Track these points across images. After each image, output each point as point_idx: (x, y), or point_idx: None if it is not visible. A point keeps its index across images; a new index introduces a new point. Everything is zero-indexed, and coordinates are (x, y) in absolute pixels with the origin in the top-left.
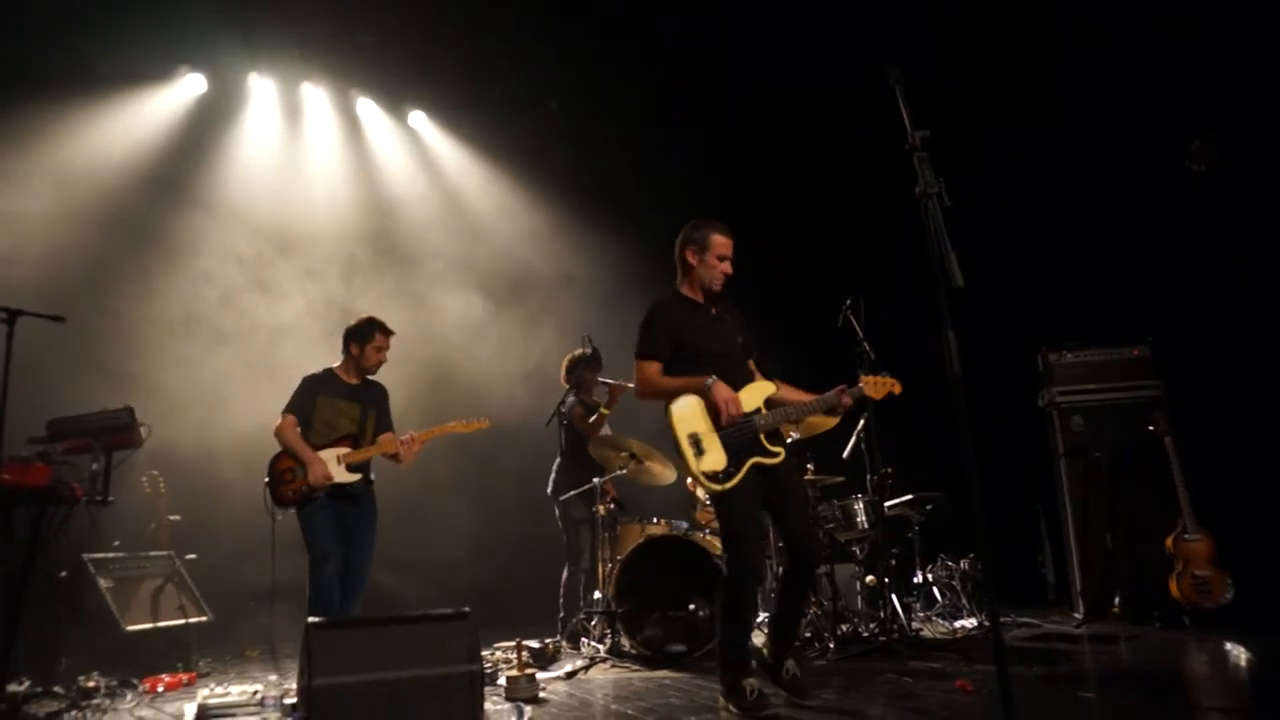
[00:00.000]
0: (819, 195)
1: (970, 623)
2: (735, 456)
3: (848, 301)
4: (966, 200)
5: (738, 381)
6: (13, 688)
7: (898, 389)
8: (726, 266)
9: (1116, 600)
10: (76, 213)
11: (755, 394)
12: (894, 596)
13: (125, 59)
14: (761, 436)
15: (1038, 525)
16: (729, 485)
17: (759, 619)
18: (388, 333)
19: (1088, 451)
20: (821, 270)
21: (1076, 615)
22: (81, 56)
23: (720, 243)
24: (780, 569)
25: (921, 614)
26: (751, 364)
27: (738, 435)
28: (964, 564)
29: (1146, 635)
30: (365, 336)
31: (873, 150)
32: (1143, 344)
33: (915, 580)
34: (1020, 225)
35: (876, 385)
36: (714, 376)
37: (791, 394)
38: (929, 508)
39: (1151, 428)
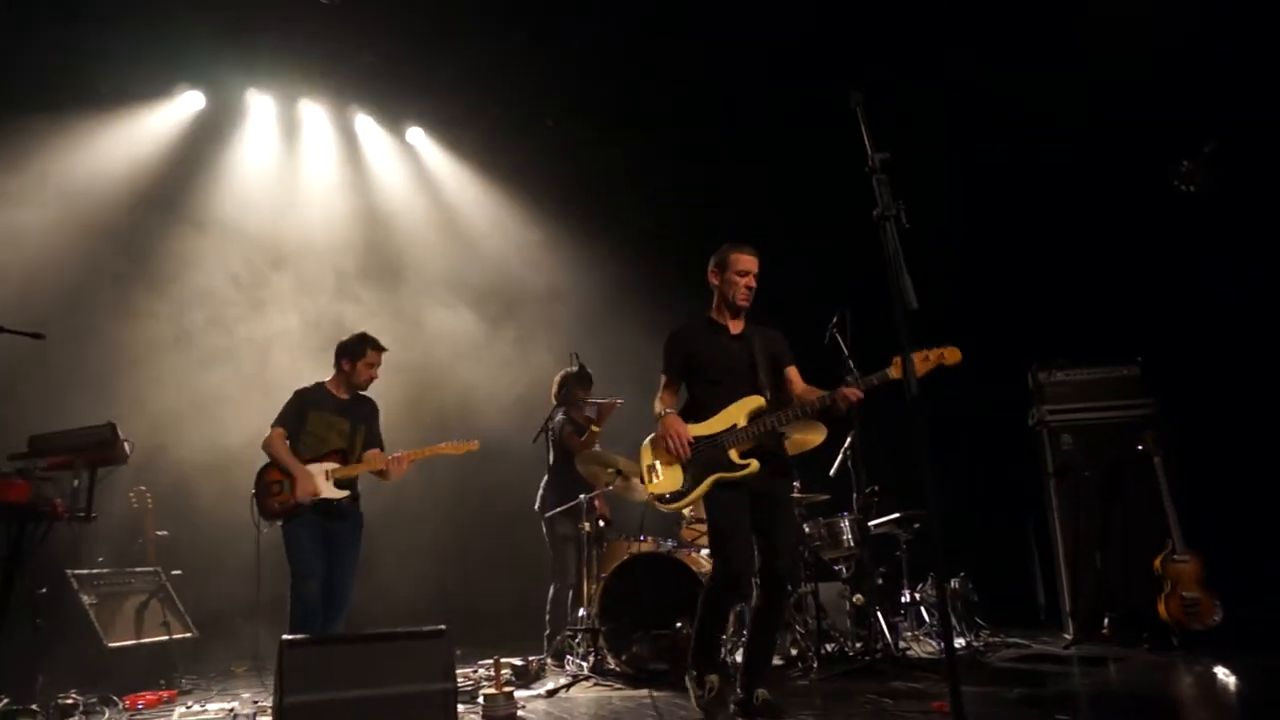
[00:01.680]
0: (810, 211)
1: (959, 642)
2: (693, 476)
3: (834, 318)
4: (956, 217)
5: (733, 400)
6: None
7: (956, 356)
8: (749, 280)
9: (1106, 621)
10: (73, 229)
11: (736, 411)
12: (880, 615)
13: (125, 76)
14: (732, 452)
15: (1028, 545)
16: (675, 506)
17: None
18: (380, 349)
19: (1078, 471)
20: (809, 286)
21: (1066, 636)
22: (82, 74)
23: (739, 259)
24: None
25: (909, 633)
26: (791, 372)
27: (698, 456)
28: (953, 583)
29: (1135, 657)
30: (357, 353)
31: (858, 167)
32: (1133, 363)
33: (903, 599)
34: (1011, 243)
35: (922, 360)
36: (669, 409)
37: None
38: (916, 526)
39: (1141, 447)
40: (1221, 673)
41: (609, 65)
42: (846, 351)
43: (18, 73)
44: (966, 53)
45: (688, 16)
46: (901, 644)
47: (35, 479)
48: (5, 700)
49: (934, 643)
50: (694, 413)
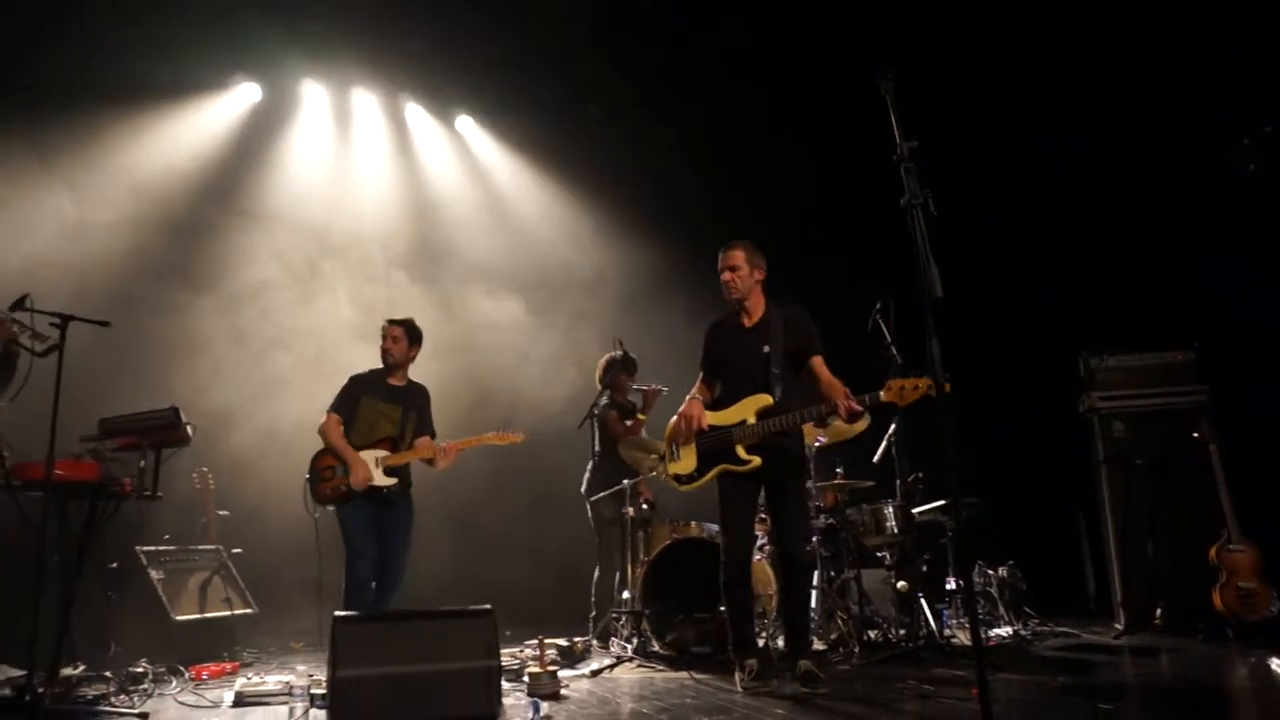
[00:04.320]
0: (856, 198)
1: (1006, 631)
2: (704, 462)
3: (878, 305)
4: (1010, 202)
5: (745, 395)
6: (67, 671)
7: (931, 390)
8: (725, 275)
9: (1159, 611)
10: (135, 221)
11: (748, 406)
12: (924, 602)
13: (184, 69)
14: (739, 447)
15: (1078, 533)
16: (689, 487)
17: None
18: (392, 322)
19: (1129, 458)
20: (852, 273)
21: (1117, 626)
22: (142, 68)
23: (719, 260)
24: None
25: (954, 621)
26: (816, 361)
27: (710, 444)
28: (1001, 571)
29: (1188, 648)
30: (382, 332)
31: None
32: (1187, 349)
33: (949, 587)
34: (1063, 227)
35: (903, 392)
36: (693, 394)
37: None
38: (963, 514)
39: (1195, 434)
40: (1278, 665)
41: (650, 52)
42: (890, 339)
43: (81, 69)
44: (1014, 31)
45: (729, 2)
46: (946, 631)
47: (105, 459)
48: (82, 668)
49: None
50: (717, 403)
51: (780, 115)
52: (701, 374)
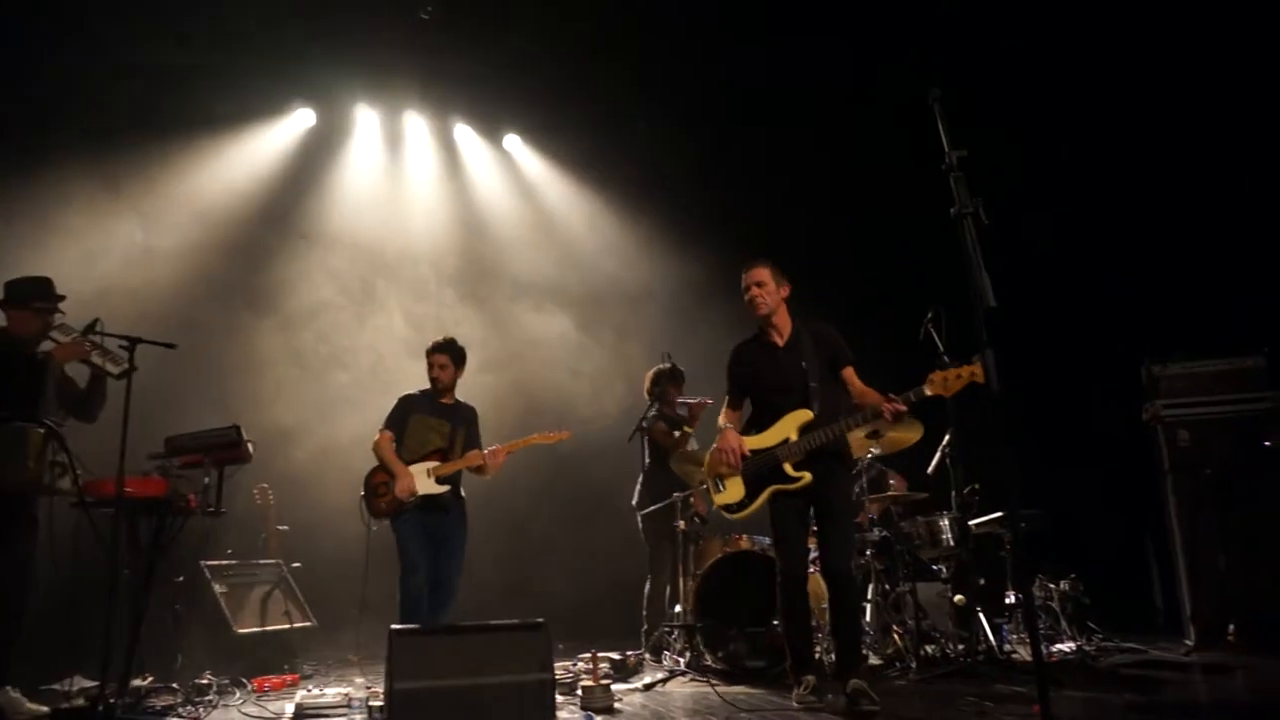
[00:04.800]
0: (903, 208)
1: (1068, 646)
2: (753, 488)
3: (929, 314)
4: (1073, 208)
5: (784, 414)
6: (136, 682)
7: (979, 376)
8: (751, 291)
9: (1231, 627)
10: (198, 246)
11: (788, 424)
12: (982, 617)
13: (244, 97)
14: (786, 465)
15: (1144, 545)
16: (740, 515)
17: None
18: (435, 349)
19: (1196, 468)
20: (900, 283)
21: (1187, 642)
22: (204, 98)
23: (742, 279)
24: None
25: (1015, 636)
26: (848, 373)
27: (755, 469)
28: (1063, 585)
29: (1265, 665)
30: (427, 359)
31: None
32: (1258, 354)
33: (1008, 600)
34: (1123, 232)
35: (947, 382)
36: (726, 425)
37: (877, 399)
38: (1022, 526)
39: (1267, 443)
40: None
41: (696, 67)
42: (941, 347)
43: (148, 101)
44: (1073, 28)
45: (772, 16)
46: (1006, 646)
47: (171, 476)
48: (150, 679)
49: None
50: (754, 425)
51: (823, 125)
52: (727, 398)
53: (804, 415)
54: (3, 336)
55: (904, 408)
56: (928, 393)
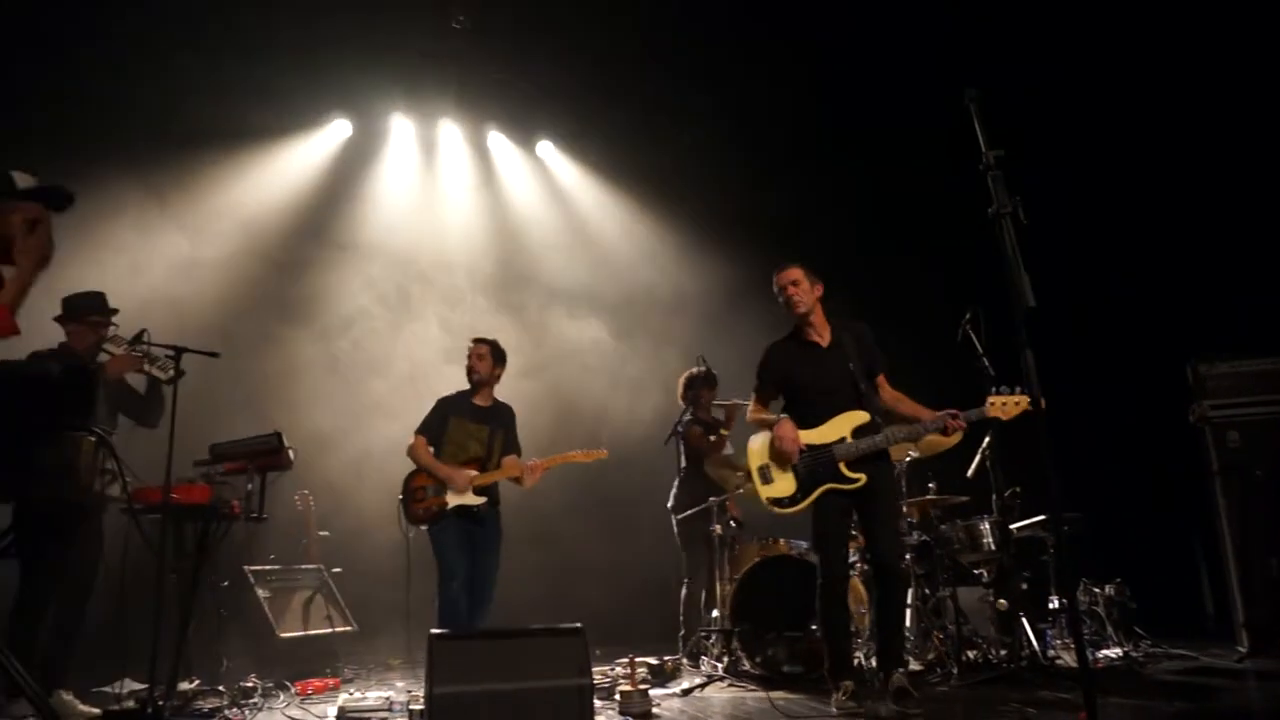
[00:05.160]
0: (939, 208)
1: (1115, 652)
2: (806, 483)
3: (967, 315)
4: (1116, 206)
5: (836, 412)
6: (183, 685)
7: (1025, 405)
8: (789, 292)
9: None
10: (239, 257)
11: (843, 424)
12: (1025, 622)
13: (284, 109)
14: (841, 464)
15: (1193, 549)
16: (791, 510)
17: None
18: (478, 341)
19: (1247, 469)
20: (940, 284)
21: (1240, 648)
22: (246, 110)
23: (777, 279)
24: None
25: (1059, 641)
26: (881, 379)
27: (810, 464)
28: (1109, 589)
29: None
30: (468, 351)
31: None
32: None
33: (1051, 605)
34: (1165, 228)
35: (1004, 406)
36: (782, 415)
37: (912, 409)
38: (1065, 529)
39: None
40: None
41: (728, 70)
42: (980, 349)
43: (192, 115)
44: (1115, 26)
45: (802, 19)
46: (1050, 652)
47: (216, 483)
48: (197, 682)
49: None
50: (798, 421)
51: (856, 125)
52: (756, 394)
53: (861, 417)
54: (62, 350)
55: (965, 426)
56: (989, 414)
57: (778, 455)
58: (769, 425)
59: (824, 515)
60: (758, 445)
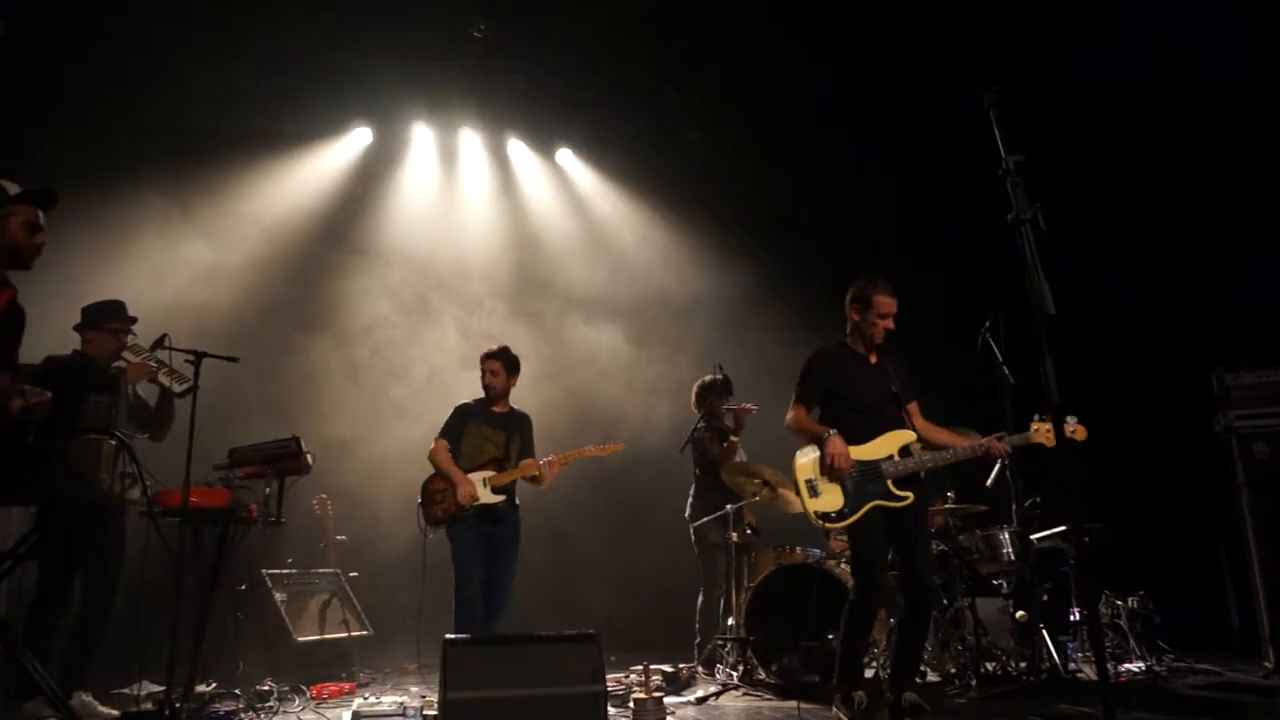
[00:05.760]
0: (955, 216)
1: (1137, 666)
2: (854, 499)
3: (986, 324)
4: (1140, 214)
5: (883, 429)
6: (200, 688)
7: (1082, 436)
8: (888, 323)
9: None
10: (262, 262)
11: (891, 441)
12: (1046, 634)
13: (306, 116)
14: (889, 482)
15: (1219, 562)
16: (839, 525)
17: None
18: (488, 356)
19: (1276, 481)
20: (960, 291)
21: (1267, 664)
22: (269, 117)
23: (882, 302)
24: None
25: (1080, 654)
26: (913, 408)
27: (859, 480)
28: (1132, 602)
29: None
30: (481, 367)
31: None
32: None
33: (1072, 618)
34: (1188, 235)
35: (1049, 434)
36: (832, 430)
37: (946, 438)
38: (1087, 540)
39: None
40: None
41: (746, 77)
42: (1000, 357)
43: (216, 122)
44: (1145, 26)
45: (821, 24)
46: (1071, 665)
47: (234, 487)
48: (214, 685)
49: (1109, 665)
50: (846, 436)
51: (875, 131)
52: (799, 397)
53: (907, 436)
54: (81, 357)
55: (1009, 449)
56: (1033, 440)
57: (829, 471)
58: (815, 438)
59: (870, 531)
60: (807, 460)
